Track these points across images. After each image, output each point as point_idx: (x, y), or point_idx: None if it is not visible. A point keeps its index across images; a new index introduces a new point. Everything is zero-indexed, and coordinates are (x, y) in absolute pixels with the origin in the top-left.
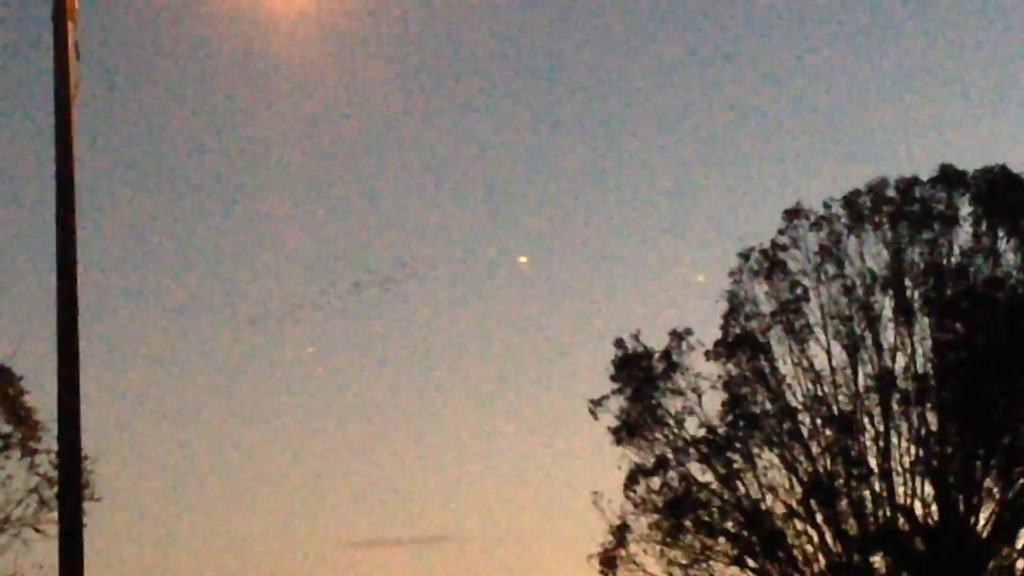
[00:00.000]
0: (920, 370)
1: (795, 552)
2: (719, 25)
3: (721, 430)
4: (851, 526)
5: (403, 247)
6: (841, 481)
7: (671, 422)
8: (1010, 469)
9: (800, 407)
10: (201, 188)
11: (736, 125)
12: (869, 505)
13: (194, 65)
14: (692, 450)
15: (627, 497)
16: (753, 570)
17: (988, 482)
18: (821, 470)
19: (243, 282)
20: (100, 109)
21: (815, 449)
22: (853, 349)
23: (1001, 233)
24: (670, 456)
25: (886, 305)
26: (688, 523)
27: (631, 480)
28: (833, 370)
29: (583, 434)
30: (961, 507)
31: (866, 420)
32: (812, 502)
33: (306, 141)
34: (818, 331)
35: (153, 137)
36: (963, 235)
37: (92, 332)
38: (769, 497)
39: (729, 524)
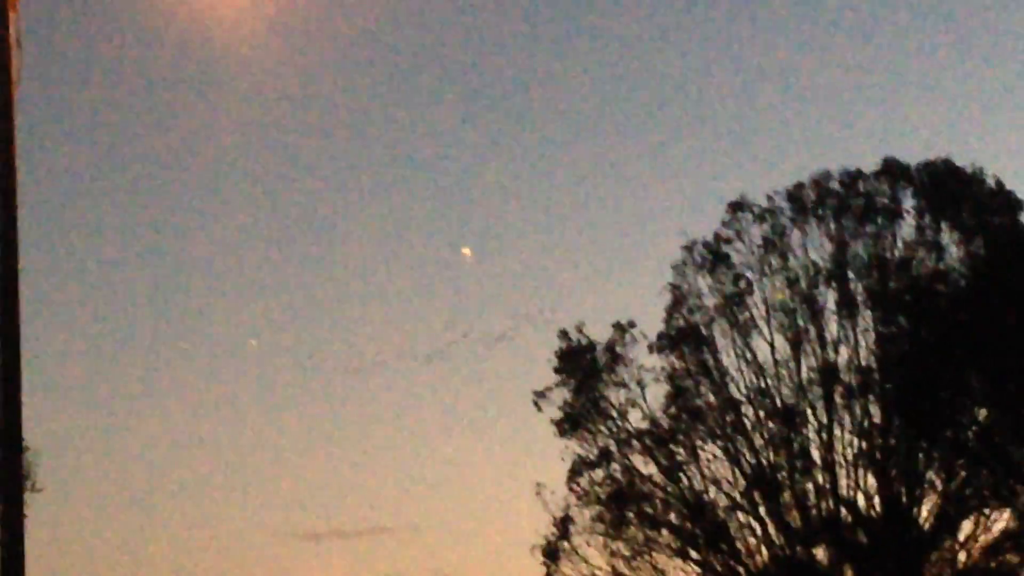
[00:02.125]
0: (863, 363)
1: (738, 544)
2: (663, 20)
3: (664, 422)
4: (794, 518)
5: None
6: (784, 473)
7: (614, 414)
8: (952, 462)
9: (743, 400)
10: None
11: (680, 118)
12: (812, 497)
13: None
14: (635, 442)
15: (570, 489)
16: (696, 562)
17: (930, 474)
18: (764, 462)
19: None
20: (42, 98)
21: (758, 441)
22: (796, 342)
23: (944, 226)
24: (613, 448)
25: (829, 298)
26: (631, 515)
27: (574, 472)
28: (776, 363)
29: (526, 426)
30: (904, 499)
31: (809, 412)
32: (755, 494)
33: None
34: (761, 324)
35: (97, 128)
36: (906, 228)
37: (34, 323)
38: (712, 489)
39: (672, 516)
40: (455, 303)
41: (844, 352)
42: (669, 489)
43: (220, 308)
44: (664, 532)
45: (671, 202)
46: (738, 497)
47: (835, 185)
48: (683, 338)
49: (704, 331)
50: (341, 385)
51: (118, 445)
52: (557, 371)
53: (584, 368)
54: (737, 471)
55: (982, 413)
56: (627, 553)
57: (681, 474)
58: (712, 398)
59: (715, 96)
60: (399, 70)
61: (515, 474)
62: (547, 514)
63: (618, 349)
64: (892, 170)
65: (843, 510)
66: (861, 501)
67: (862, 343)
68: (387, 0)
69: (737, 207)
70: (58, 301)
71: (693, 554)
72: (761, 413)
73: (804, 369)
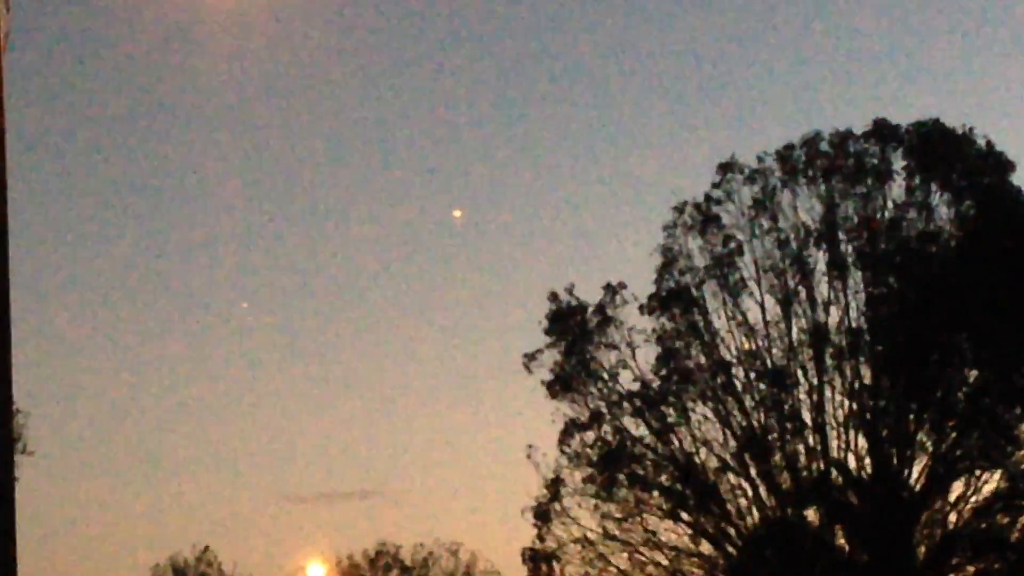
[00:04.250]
0: (853, 324)
1: (729, 506)
2: None
3: (655, 384)
4: (785, 480)
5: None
6: (775, 435)
7: (605, 376)
8: (942, 423)
9: (734, 361)
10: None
11: (670, 79)
12: (803, 459)
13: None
14: (626, 404)
15: (561, 451)
16: (687, 524)
17: (921, 435)
18: (755, 424)
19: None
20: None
21: (749, 403)
22: (787, 303)
23: (934, 187)
24: (604, 410)
25: (820, 259)
26: (622, 477)
27: (565, 434)
28: (767, 324)
29: (517, 388)
30: (894, 460)
31: (800, 374)
32: (746, 456)
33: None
34: (752, 285)
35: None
36: (896, 189)
37: (25, 286)
38: (703, 451)
39: (663, 478)
40: (445, 264)
41: (834, 313)
42: (660, 451)
43: (212, 271)
44: (655, 494)
45: (661, 163)
46: (729, 459)
47: (825, 146)
48: (673, 299)
49: (694, 292)
50: (330, 349)
51: (111, 409)
52: (547, 333)
53: (574, 330)
54: (728, 432)
55: (972, 374)
56: (618, 514)
57: (672, 436)
58: (703, 359)
59: (706, 58)
60: (393, 34)
61: (506, 436)
62: (538, 476)
63: (608, 311)
64: (882, 131)
65: (834, 471)
66: (852, 462)
67: (852, 304)
68: None
69: (727, 168)
70: (49, 263)
71: (684, 515)
72: (751, 374)
73: (794, 330)
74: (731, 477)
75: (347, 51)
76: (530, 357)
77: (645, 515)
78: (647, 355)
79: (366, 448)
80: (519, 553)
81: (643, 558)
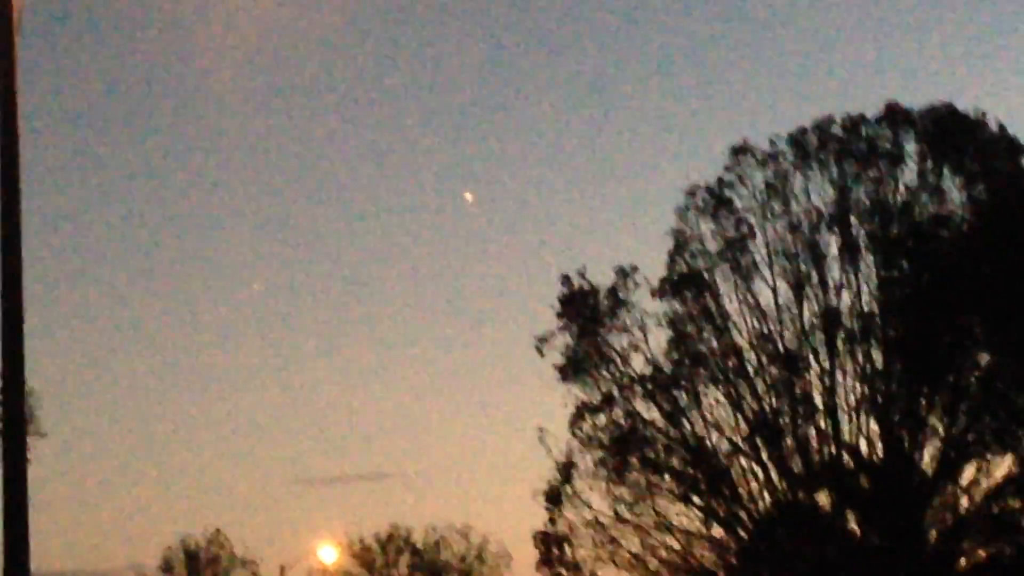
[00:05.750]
0: (865, 308)
1: (740, 489)
2: None
3: (667, 367)
4: (796, 463)
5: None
6: (786, 419)
7: (617, 359)
8: (954, 406)
9: (745, 345)
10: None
11: (683, 62)
12: (814, 442)
13: None
14: (638, 387)
15: (573, 434)
16: (698, 507)
17: (933, 419)
18: (766, 408)
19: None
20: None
21: (760, 387)
22: (799, 287)
23: (946, 171)
24: (616, 393)
25: (832, 243)
26: (634, 460)
27: (577, 417)
28: (779, 308)
29: (529, 371)
30: (906, 444)
31: (811, 358)
32: (757, 439)
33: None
34: (764, 269)
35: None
36: (908, 173)
37: (39, 267)
38: (714, 434)
39: (674, 461)
40: (457, 247)
41: (846, 297)
42: (671, 434)
43: (225, 253)
44: (666, 477)
45: (674, 147)
46: (740, 442)
47: (837, 130)
48: (685, 283)
49: (706, 276)
50: (341, 332)
51: (124, 391)
52: (559, 316)
53: (586, 313)
54: (739, 416)
55: (984, 358)
56: (629, 498)
57: (683, 419)
58: (714, 343)
59: (718, 41)
60: (405, 17)
61: (517, 420)
62: (550, 459)
63: (620, 294)
64: (894, 115)
65: (845, 455)
66: (863, 446)
67: (864, 288)
68: None
69: (739, 152)
70: (63, 246)
71: (695, 499)
72: (763, 358)
73: (806, 314)
74: (742, 461)
75: (358, 35)
76: (542, 340)
77: (656, 498)
78: (659, 338)
79: (377, 431)
80: (530, 536)
81: (654, 541)
